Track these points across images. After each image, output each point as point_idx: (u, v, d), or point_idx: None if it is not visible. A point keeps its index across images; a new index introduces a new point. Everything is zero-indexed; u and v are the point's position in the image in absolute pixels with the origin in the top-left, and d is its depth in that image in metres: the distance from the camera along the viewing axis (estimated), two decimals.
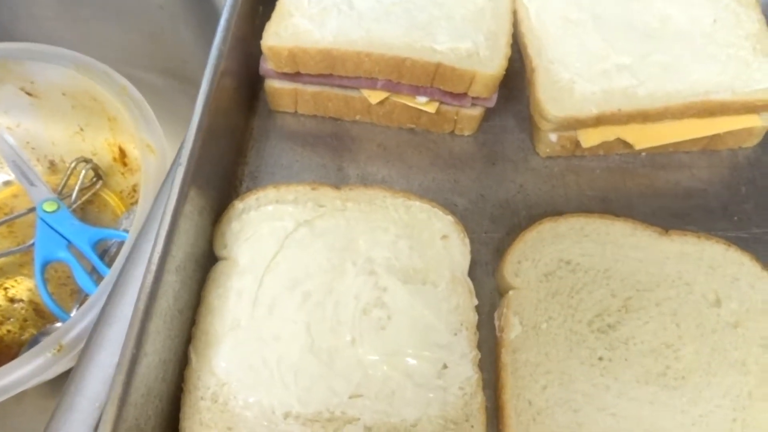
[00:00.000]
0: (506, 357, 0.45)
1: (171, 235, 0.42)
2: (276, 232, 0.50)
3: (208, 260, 0.49)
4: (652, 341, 0.45)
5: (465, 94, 0.54)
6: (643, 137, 0.54)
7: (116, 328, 0.48)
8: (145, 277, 0.40)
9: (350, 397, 0.43)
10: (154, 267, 0.40)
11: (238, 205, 0.51)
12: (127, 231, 0.84)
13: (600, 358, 0.44)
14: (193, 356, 0.44)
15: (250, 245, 0.49)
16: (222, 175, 0.53)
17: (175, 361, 0.44)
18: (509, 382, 0.44)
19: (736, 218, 0.53)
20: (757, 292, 0.47)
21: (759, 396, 0.43)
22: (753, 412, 0.42)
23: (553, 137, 0.55)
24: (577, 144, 0.55)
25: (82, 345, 0.55)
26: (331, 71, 0.53)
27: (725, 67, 0.53)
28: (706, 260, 0.48)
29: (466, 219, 0.53)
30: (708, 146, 0.56)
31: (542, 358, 0.45)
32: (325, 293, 0.47)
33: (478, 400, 0.44)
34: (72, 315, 0.74)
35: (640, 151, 0.56)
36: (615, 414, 0.43)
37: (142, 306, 0.39)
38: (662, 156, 0.57)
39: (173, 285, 0.42)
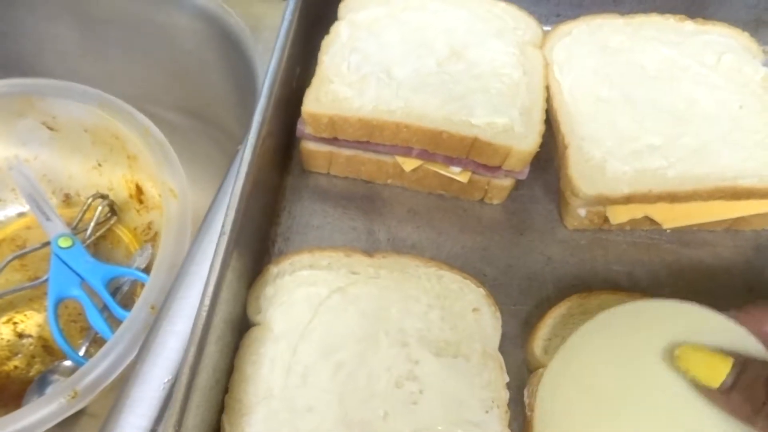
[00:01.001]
0: None
1: (213, 307, 0.42)
2: (310, 298, 0.50)
3: (242, 324, 0.49)
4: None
5: (499, 167, 0.55)
6: (671, 216, 0.55)
7: (147, 389, 0.47)
8: (186, 349, 0.40)
9: None
10: (196, 339, 0.40)
11: (273, 269, 0.51)
12: (140, 269, 0.84)
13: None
14: (227, 426, 0.44)
15: (284, 311, 0.49)
16: (257, 237, 0.53)
17: (209, 431, 0.43)
18: None
19: (760, 300, 0.54)
20: None
21: None
22: None
23: (582, 212, 0.56)
24: (605, 219, 0.56)
25: (97, 390, 0.55)
26: (369, 138, 0.54)
27: (752, 153, 0.55)
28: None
29: (495, 289, 0.54)
30: (732, 226, 0.58)
31: None
32: (357, 364, 0.47)
33: None
34: (81, 354, 0.74)
35: (665, 228, 0.57)
36: None
37: (184, 380, 0.39)
38: (687, 233, 0.58)
39: (213, 356, 0.42)
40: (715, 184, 0.53)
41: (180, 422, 0.38)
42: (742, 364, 0.38)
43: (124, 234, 0.90)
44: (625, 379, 0.44)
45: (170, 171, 0.80)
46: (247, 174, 0.48)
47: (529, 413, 0.47)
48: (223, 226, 0.45)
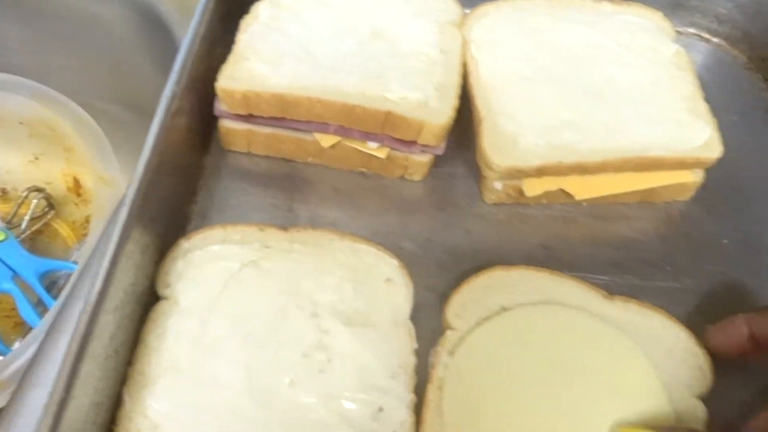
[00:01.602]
0: (431, 393, 0.45)
1: (110, 276, 0.42)
2: (221, 272, 0.50)
3: (149, 299, 0.48)
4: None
5: (414, 142, 0.55)
6: (584, 189, 0.56)
7: (51, 367, 0.47)
8: (79, 318, 0.40)
9: None
10: (90, 308, 0.40)
11: (184, 244, 0.51)
12: (77, 263, 0.83)
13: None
14: (126, 398, 0.44)
15: (194, 285, 0.49)
16: (169, 213, 0.53)
17: (108, 403, 0.43)
18: (429, 418, 0.44)
19: (669, 269, 0.55)
20: (687, 368, 0.48)
21: None
22: None
23: (498, 185, 0.57)
24: (521, 192, 0.57)
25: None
26: (284, 115, 0.54)
27: (662, 127, 0.56)
28: (645, 329, 0.49)
29: (412, 263, 0.54)
30: (645, 198, 0.59)
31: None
32: (266, 336, 0.47)
33: None
34: (13, 349, 0.72)
35: (581, 202, 0.58)
36: None
37: (75, 348, 0.39)
38: (602, 207, 0.59)
39: (109, 326, 0.42)
40: (624, 155, 0.54)
41: (68, 387, 0.37)
42: None
43: (62, 228, 0.89)
44: (527, 370, 0.47)
45: (104, 160, 0.79)
46: (153, 148, 0.48)
47: (430, 370, 0.47)
48: (124, 197, 0.45)
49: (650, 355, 0.48)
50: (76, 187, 0.88)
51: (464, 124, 0.59)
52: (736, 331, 0.45)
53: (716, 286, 0.54)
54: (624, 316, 0.49)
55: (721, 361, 0.48)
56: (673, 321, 0.49)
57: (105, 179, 0.76)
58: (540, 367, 0.46)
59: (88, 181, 0.87)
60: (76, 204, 0.88)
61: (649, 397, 0.46)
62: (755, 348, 0.45)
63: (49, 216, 0.87)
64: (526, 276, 0.51)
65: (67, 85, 0.81)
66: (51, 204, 0.87)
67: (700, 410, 0.46)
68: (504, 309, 0.49)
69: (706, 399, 0.47)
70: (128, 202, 0.44)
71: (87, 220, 0.87)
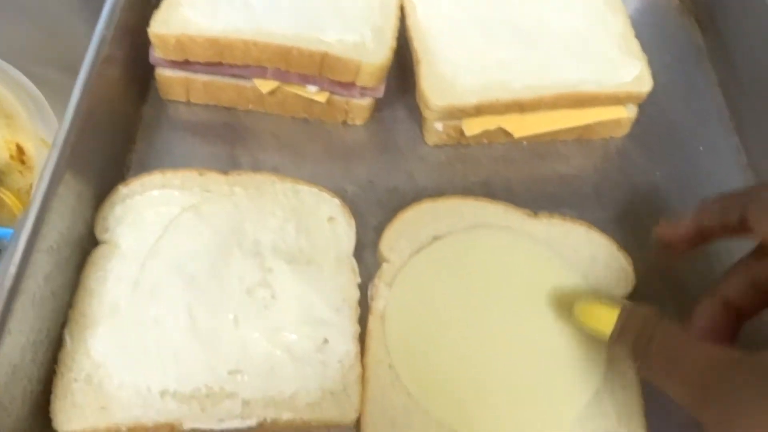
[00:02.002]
0: (372, 324, 0.47)
1: (41, 215, 0.41)
2: (160, 216, 0.50)
3: (89, 245, 0.48)
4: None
5: (353, 84, 0.55)
6: (522, 126, 0.58)
7: None
8: (12, 255, 0.39)
9: (229, 374, 0.44)
10: (21, 246, 0.40)
11: (122, 189, 0.51)
12: None
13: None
14: (68, 338, 0.44)
15: (133, 229, 0.49)
16: (107, 162, 0.53)
17: (48, 343, 0.43)
18: (372, 348, 0.46)
19: (605, 200, 0.57)
20: (611, 271, 0.50)
21: None
22: None
23: (438, 126, 0.57)
24: (462, 133, 0.58)
25: None
26: (220, 59, 0.54)
27: (594, 64, 0.57)
28: (570, 241, 0.51)
29: (355, 205, 0.55)
30: (582, 136, 0.60)
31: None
32: (209, 276, 0.47)
33: (356, 372, 0.45)
34: None
35: (521, 141, 0.60)
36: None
37: (7, 284, 0.38)
38: (542, 146, 0.60)
39: (43, 265, 0.42)
40: (558, 91, 0.56)
41: (3, 321, 0.37)
42: (626, 314, 0.42)
43: (7, 197, 0.87)
44: (463, 293, 0.48)
45: (44, 124, 0.78)
46: (83, 91, 0.47)
47: (370, 303, 0.48)
48: (54, 141, 0.44)
49: (576, 264, 0.50)
50: (20, 154, 0.86)
51: (404, 69, 0.60)
52: (683, 223, 0.46)
53: (647, 213, 0.57)
54: (549, 231, 0.52)
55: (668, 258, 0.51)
56: (595, 230, 0.52)
57: (45, 142, 0.74)
58: (475, 289, 0.48)
59: (31, 148, 0.85)
60: (21, 172, 0.86)
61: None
62: (701, 238, 0.46)
63: None
64: (454, 205, 0.52)
65: (3, 51, 0.79)
66: None
67: None
68: (436, 238, 0.50)
69: (631, 297, 0.50)
70: (58, 144, 0.44)
71: (32, 188, 0.85)
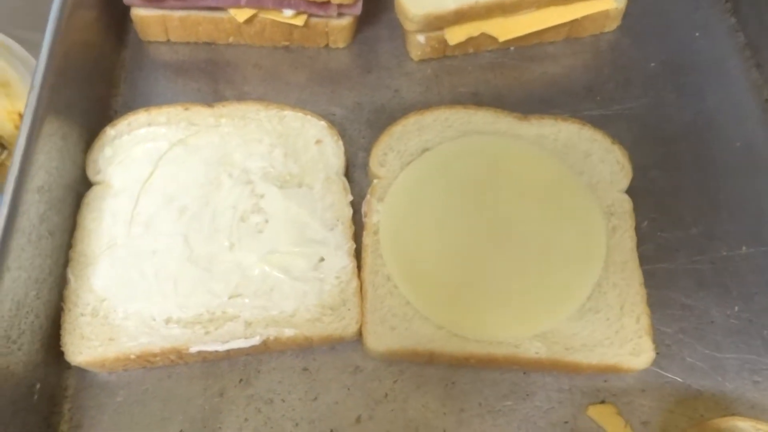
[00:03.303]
0: (367, 239, 0.47)
1: (27, 155, 0.42)
2: (149, 153, 0.50)
3: (83, 188, 0.49)
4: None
5: (328, 3, 0.54)
6: (506, 29, 0.56)
7: None
8: (3, 195, 0.40)
9: (230, 298, 0.45)
10: (11, 186, 0.40)
11: (110, 131, 0.51)
12: None
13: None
14: (71, 277, 0.45)
15: (124, 168, 0.49)
16: (93, 106, 0.53)
17: (52, 281, 0.44)
18: (369, 261, 0.46)
19: (599, 98, 0.56)
20: (606, 165, 0.49)
21: None
22: None
23: (421, 38, 0.56)
24: (446, 43, 0.56)
25: None
26: None
27: None
28: (562, 140, 0.50)
29: (344, 127, 0.54)
30: (571, 34, 0.58)
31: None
32: (202, 206, 0.48)
33: (354, 285, 0.46)
34: None
35: (508, 46, 0.58)
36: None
37: (1, 222, 0.39)
38: (530, 49, 0.59)
39: (37, 205, 0.42)
40: None
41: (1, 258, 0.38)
42: None
43: None
44: (456, 201, 0.48)
45: None
46: (54, 35, 0.47)
47: (364, 219, 0.48)
48: (32, 82, 0.45)
49: (570, 162, 0.49)
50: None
51: None
52: None
53: (643, 108, 0.55)
54: (540, 132, 0.50)
55: None
56: (588, 127, 0.51)
57: None
58: (467, 194, 0.48)
59: None
60: None
61: (576, 199, 0.48)
62: None
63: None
64: (441, 116, 0.51)
65: None
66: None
67: (626, 202, 0.48)
68: (425, 150, 0.50)
69: (630, 191, 0.49)
70: (36, 86, 0.44)
71: None
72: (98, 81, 0.54)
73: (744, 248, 0.49)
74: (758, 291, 0.47)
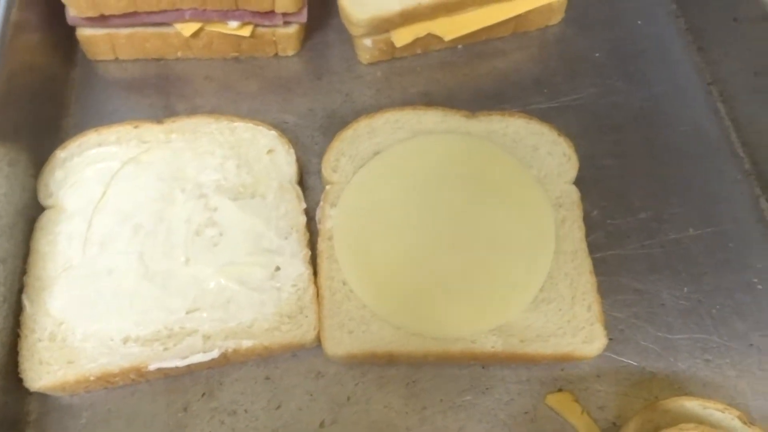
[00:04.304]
0: (322, 245, 0.47)
1: None
2: (101, 173, 0.50)
3: (35, 212, 0.49)
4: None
5: (272, 12, 0.54)
6: (452, 28, 0.56)
7: None
8: None
9: (187, 312, 0.45)
10: None
11: (60, 154, 0.51)
12: None
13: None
14: (26, 302, 0.45)
15: (76, 190, 0.49)
16: (42, 129, 0.53)
17: (6, 308, 0.44)
18: (324, 267, 0.46)
19: (546, 90, 0.57)
20: (554, 158, 0.50)
21: None
22: None
23: (368, 42, 0.56)
24: (393, 45, 0.57)
25: None
26: (135, 9, 0.53)
27: None
28: (510, 135, 0.51)
29: (297, 134, 0.55)
30: (518, 28, 0.59)
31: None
32: (156, 222, 0.48)
33: (311, 292, 0.46)
34: None
35: (456, 44, 0.59)
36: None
37: None
38: (478, 45, 0.59)
39: None
40: None
41: None
42: None
43: None
44: (408, 201, 0.49)
45: None
46: None
47: (319, 225, 0.48)
48: None
49: (519, 156, 0.50)
50: None
51: None
52: None
53: (591, 98, 0.56)
54: (488, 128, 0.51)
55: None
56: (535, 120, 0.52)
57: None
58: (418, 194, 0.48)
59: None
60: None
61: (525, 193, 0.48)
62: None
63: None
64: (391, 118, 0.52)
65: None
66: None
67: (574, 193, 0.49)
68: (376, 153, 0.50)
69: (579, 181, 0.50)
70: None
71: None
72: (47, 103, 0.54)
73: (691, 230, 0.50)
74: (707, 271, 0.49)
